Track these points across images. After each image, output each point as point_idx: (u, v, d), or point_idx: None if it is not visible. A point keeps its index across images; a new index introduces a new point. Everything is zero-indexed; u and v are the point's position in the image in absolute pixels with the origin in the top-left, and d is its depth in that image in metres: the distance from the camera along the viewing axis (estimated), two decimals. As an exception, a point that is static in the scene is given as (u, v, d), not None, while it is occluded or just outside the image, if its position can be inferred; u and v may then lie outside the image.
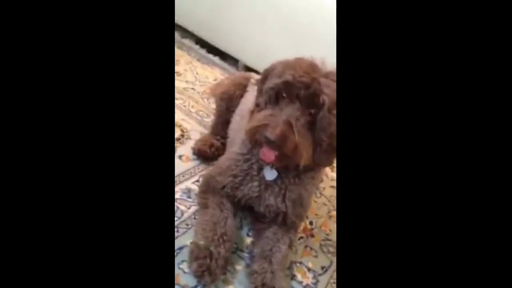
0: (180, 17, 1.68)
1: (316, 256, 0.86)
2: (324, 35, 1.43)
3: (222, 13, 1.69)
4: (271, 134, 0.63)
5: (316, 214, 0.99)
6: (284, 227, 0.80)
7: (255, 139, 0.69)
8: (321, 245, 0.90)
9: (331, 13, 1.39)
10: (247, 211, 0.86)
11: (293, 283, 0.77)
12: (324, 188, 1.11)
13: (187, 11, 1.71)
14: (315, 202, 1.04)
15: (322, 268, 0.83)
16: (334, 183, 1.16)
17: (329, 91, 0.66)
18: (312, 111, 0.67)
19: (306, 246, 0.88)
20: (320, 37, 1.45)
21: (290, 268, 0.80)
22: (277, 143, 0.64)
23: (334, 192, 1.11)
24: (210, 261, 0.67)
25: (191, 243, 0.70)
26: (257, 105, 0.73)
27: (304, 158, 0.68)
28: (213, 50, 1.78)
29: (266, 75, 0.73)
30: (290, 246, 0.80)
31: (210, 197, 0.80)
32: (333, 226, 0.98)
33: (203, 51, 1.79)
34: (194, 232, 0.73)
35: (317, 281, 0.80)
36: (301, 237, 0.90)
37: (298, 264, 0.82)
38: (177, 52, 1.64)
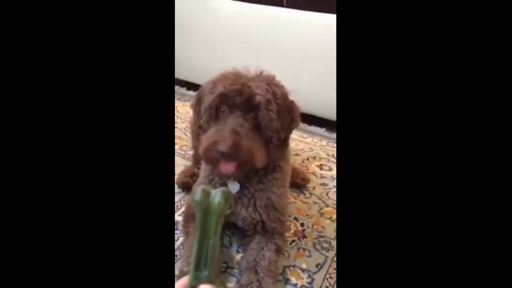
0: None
1: (310, 256, 0.86)
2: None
3: (195, 50, 1.78)
4: (224, 147, 0.67)
5: (307, 215, 1.00)
6: (267, 234, 0.82)
7: (211, 158, 0.72)
8: (314, 243, 0.90)
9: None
10: (234, 228, 0.88)
11: (288, 287, 0.78)
12: (314, 188, 1.12)
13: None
14: (305, 203, 1.05)
15: (317, 265, 0.84)
16: (324, 181, 1.17)
17: (260, 91, 0.71)
18: (252, 114, 0.71)
19: (299, 249, 0.88)
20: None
21: (283, 273, 0.81)
22: (231, 154, 0.68)
23: (323, 190, 1.12)
24: None
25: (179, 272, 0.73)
26: (200, 127, 0.78)
27: (259, 159, 0.72)
28: (192, 87, 1.87)
29: (199, 97, 0.79)
30: (278, 251, 0.81)
31: (190, 225, 0.83)
32: (325, 222, 0.98)
33: (183, 90, 1.88)
34: (181, 262, 0.76)
35: (312, 279, 0.80)
36: (293, 241, 0.90)
37: (291, 268, 0.82)
38: (158, 97, 1.73)
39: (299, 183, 1.11)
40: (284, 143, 0.78)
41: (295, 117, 0.79)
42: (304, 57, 1.53)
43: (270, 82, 0.74)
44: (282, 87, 0.77)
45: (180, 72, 1.82)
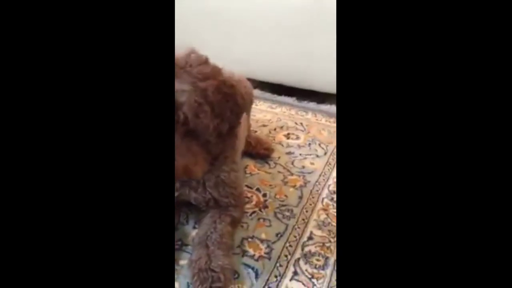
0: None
1: (270, 226, 0.82)
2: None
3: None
4: None
5: (270, 185, 0.96)
6: (221, 208, 0.77)
7: None
8: (275, 213, 0.86)
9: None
10: (190, 205, 0.84)
11: (245, 259, 0.74)
12: (279, 157, 1.08)
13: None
14: (269, 173, 1.01)
15: (277, 235, 0.80)
16: (289, 150, 1.12)
17: (185, 97, 0.59)
18: (180, 120, 0.60)
19: (259, 219, 0.84)
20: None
21: (240, 245, 0.77)
22: None
23: (289, 158, 1.08)
24: None
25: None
26: None
27: (198, 171, 0.65)
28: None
29: None
30: (234, 223, 0.77)
31: None
32: (288, 191, 0.94)
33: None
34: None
35: (271, 249, 0.76)
36: (254, 212, 0.86)
37: (250, 239, 0.79)
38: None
39: (263, 154, 1.06)
40: (230, 132, 0.69)
41: (238, 101, 0.68)
42: (270, 24, 1.46)
43: (199, 73, 0.62)
44: (215, 73, 0.65)
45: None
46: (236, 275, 0.70)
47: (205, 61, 0.66)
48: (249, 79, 1.01)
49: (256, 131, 1.20)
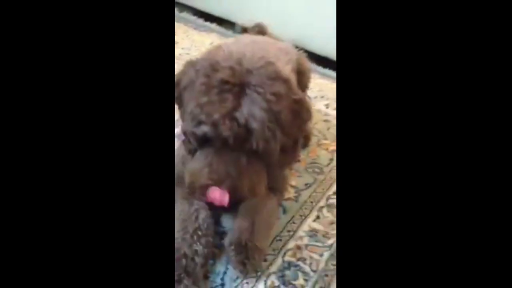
0: (173, -10, 1.74)
1: (300, 176, 0.91)
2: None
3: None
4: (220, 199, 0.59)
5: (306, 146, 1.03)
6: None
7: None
8: (306, 167, 0.94)
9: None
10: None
11: (275, 197, 0.83)
12: (316, 123, 1.14)
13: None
14: (305, 134, 1.07)
15: (306, 184, 0.88)
16: (327, 117, 1.18)
17: (259, 123, 0.58)
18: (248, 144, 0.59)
19: (291, 169, 0.92)
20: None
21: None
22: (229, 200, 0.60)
23: (325, 125, 1.14)
24: (185, 262, 0.62)
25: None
26: (189, 151, 0.66)
27: (261, 192, 0.65)
28: (210, 18, 1.84)
29: (179, 93, 0.65)
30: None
31: (178, 189, 0.71)
32: (321, 152, 1.01)
33: (200, 21, 1.86)
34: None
35: (299, 195, 0.85)
36: (287, 162, 0.94)
37: (281, 183, 0.87)
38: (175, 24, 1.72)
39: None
40: (294, 146, 0.67)
41: (304, 117, 0.67)
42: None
43: (273, 94, 0.59)
44: (287, 91, 0.62)
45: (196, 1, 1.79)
46: (266, 208, 0.79)
47: (278, 76, 0.62)
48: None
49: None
